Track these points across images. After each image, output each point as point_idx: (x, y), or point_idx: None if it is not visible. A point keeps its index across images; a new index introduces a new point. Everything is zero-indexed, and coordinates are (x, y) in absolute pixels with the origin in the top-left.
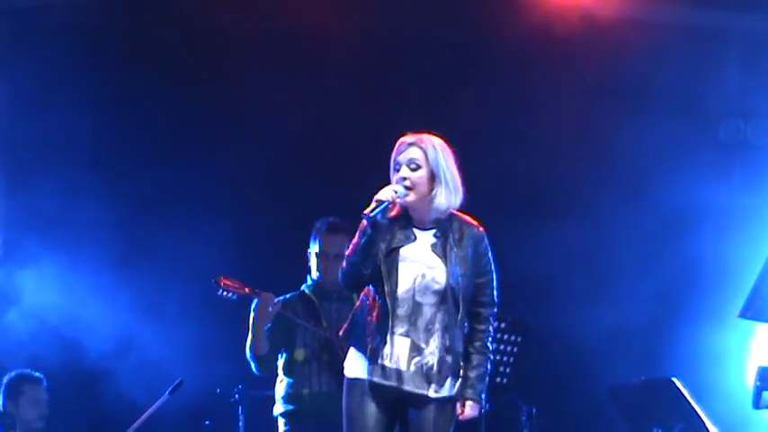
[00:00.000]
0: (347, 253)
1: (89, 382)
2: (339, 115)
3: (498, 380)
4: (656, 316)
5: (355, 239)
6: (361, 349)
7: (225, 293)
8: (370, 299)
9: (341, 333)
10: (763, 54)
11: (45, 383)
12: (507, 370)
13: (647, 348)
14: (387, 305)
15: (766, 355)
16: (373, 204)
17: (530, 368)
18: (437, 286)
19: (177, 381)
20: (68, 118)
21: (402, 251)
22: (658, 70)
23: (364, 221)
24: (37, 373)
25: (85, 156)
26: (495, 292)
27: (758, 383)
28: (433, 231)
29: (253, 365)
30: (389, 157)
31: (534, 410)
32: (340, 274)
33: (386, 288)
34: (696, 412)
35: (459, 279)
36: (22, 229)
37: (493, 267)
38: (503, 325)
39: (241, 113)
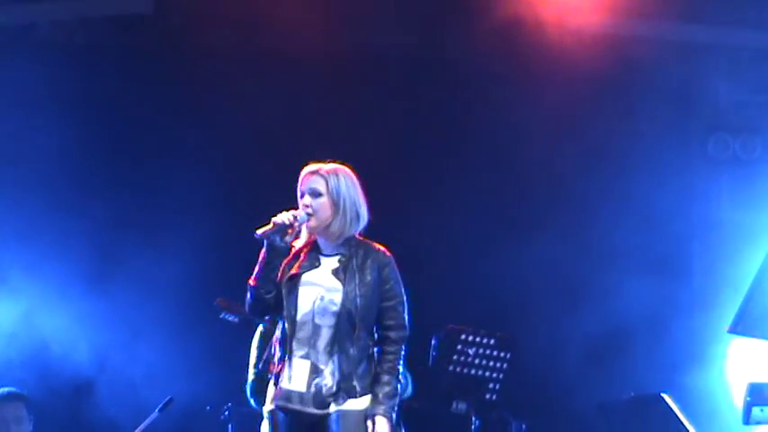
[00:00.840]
0: (249, 282)
1: (67, 402)
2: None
3: (488, 396)
4: (644, 329)
5: (256, 267)
6: (268, 372)
7: (227, 316)
8: (273, 324)
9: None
10: (751, 69)
11: (26, 401)
12: (496, 386)
13: (635, 362)
14: (286, 329)
15: (756, 370)
16: (268, 226)
17: (519, 384)
18: (334, 308)
19: (167, 398)
20: (44, 132)
21: (304, 276)
22: (647, 85)
23: (263, 250)
24: (17, 390)
25: (62, 169)
26: (403, 316)
27: (748, 399)
28: (338, 257)
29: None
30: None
31: (525, 426)
32: (246, 305)
33: (285, 312)
34: (686, 428)
35: (357, 300)
36: None
37: (400, 291)
38: (491, 341)
39: (221, 129)
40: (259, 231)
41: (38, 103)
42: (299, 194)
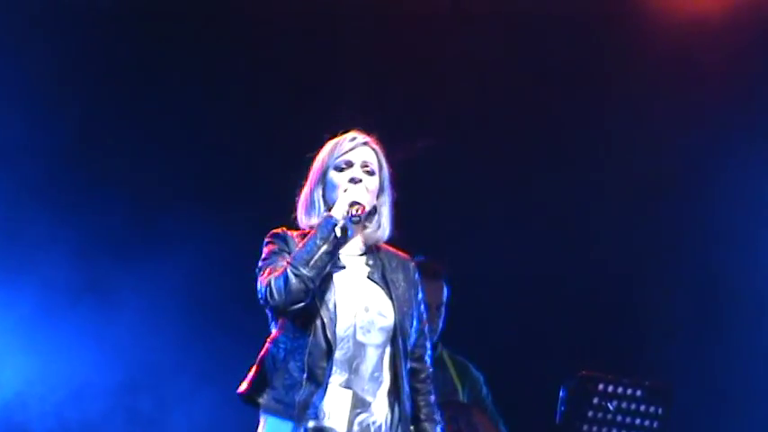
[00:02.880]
0: (287, 261)
1: None
2: None
3: None
4: None
5: (304, 244)
6: (281, 409)
7: None
8: (287, 340)
9: (242, 390)
10: None
11: None
12: None
13: None
14: (322, 346)
15: None
16: (350, 208)
17: None
18: (384, 322)
19: None
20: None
21: (335, 278)
22: None
23: (328, 222)
24: None
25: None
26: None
27: None
28: (364, 259)
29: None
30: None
31: None
32: (276, 287)
33: (321, 322)
34: None
35: (406, 316)
36: None
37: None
38: (637, 393)
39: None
40: (337, 213)
41: None
42: (329, 163)
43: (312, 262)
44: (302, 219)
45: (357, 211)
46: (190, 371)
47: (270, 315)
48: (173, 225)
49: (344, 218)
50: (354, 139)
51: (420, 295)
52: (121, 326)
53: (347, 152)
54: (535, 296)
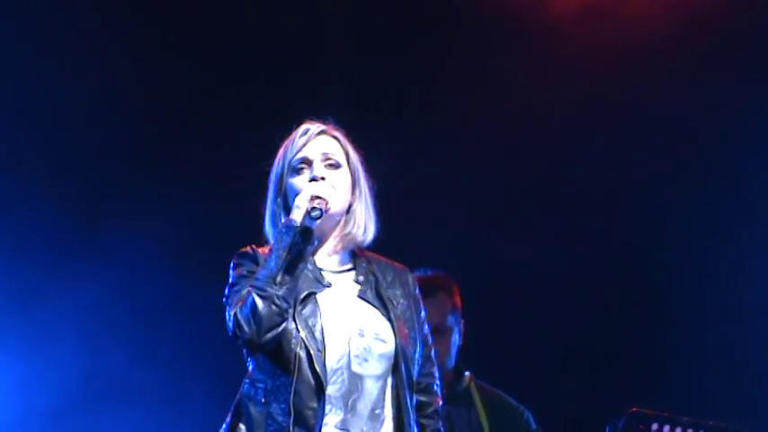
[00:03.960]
0: (263, 287)
1: None
2: None
3: None
4: None
5: (266, 260)
6: None
7: None
8: (266, 378)
9: None
10: None
11: None
12: None
13: None
14: (309, 382)
15: None
16: (306, 205)
17: None
18: (384, 347)
19: None
20: None
21: (320, 299)
22: None
23: (287, 227)
24: None
25: None
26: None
27: None
28: (352, 275)
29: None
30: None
31: None
32: (243, 316)
33: (307, 353)
34: None
35: (408, 339)
36: None
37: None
38: None
39: None
40: (294, 216)
41: None
42: (285, 163)
43: (279, 277)
44: (269, 234)
45: (318, 204)
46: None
47: (245, 352)
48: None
49: (304, 217)
50: (307, 131)
51: (423, 313)
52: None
53: (301, 148)
54: (569, 317)
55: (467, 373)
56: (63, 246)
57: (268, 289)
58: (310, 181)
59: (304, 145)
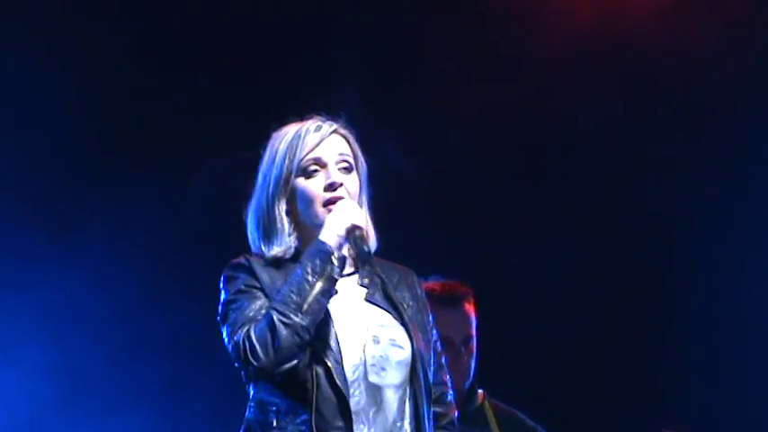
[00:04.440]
0: (271, 306)
1: None
2: None
3: None
4: None
5: (291, 282)
6: None
7: None
8: (278, 400)
9: None
10: None
11: None
12: None
13: None
14: (331, 398)
15: None
16: (341, 232)
17: None
18: (401, 354)
19: None
20: None
21: (330, 308)
22: None
23: (322, 252)
24: None
25: None
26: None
27: None
28: (355, 279)
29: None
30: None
31: None
32: (260, 342)
33: (325, 366)
34: None
35: (424, 343)
36: None
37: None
38: None
39: None
40: (329, 238)
41: None
42: (293, 164)
43: (306, 306)
44: (262, 245)
45: (363, 242)
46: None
47: (245, 375)
48: None
49: (339, 246)
50: (320, 128)
51: (431, 317)
52: None
53: (315, 147)
54: (588, 329)
55: (480, 390)
56: (27, 248)
57: (292, 316)
58: (328, 187)
59: (318, 144)
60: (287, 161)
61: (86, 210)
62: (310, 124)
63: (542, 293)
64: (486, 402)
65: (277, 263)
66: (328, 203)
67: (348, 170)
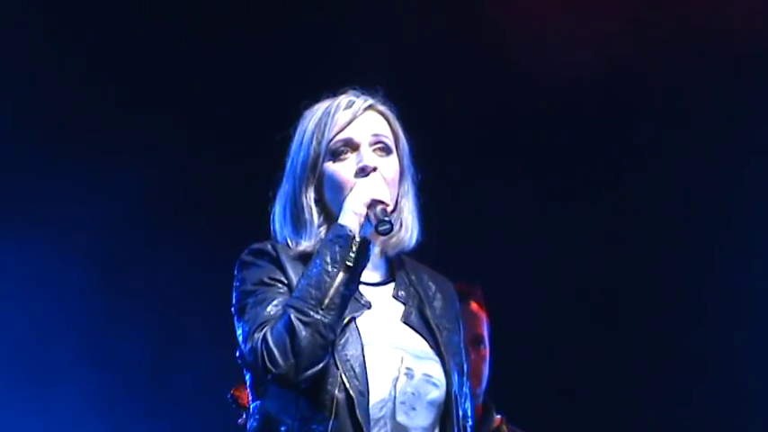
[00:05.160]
0: (289, 304)
1: None
2: None
3: None
4: None
5: (308, 275)
6: None
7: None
8: (291, 420)
9: None
10: None
11: None
12: None
13: None
14: (348, 428)
15: None
16: (363, 211)
17: None
18: (435, 392)
19: None
20: None
21: (360, 325)
22: None
23: (341, 235)
24: None
25: None
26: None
27: None
28: (391, 289)
29: None
30: None
31: None
32: (277, 346)
33: (346, 394)
34: None
35: (461, 378)
36: None
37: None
38: None
39: None
40: (350, 221)
41: None
42: (323, 144)
43: (327, 300)
44: (289, 238)
45: (384, 215)
46: None
47: (251, 381)
48: None
49: (363, 226)
50: (351, 104)
51: (463, 336)
52: None
53: (346, 127)
54: (604, 338)
55: (497, 415)
56: None
57: (312, 314)
58: (360, 171)
59: (349, 122)
60: (314, 143)
61: None
62: (342, 99)
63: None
64: (504, 427)
65: (306, 258)
66: None
67: (386, 152)
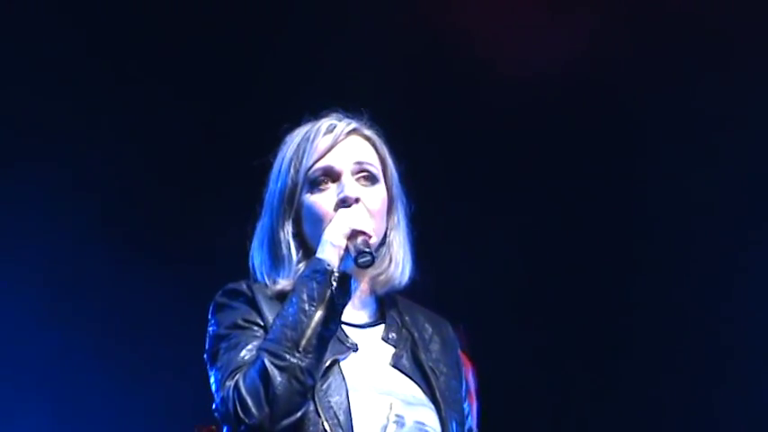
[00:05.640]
0: (263, 347)
1: None
2: None
3: None
4: None
5: (284, 315)
6: None
7: None
8: None
9: None
10: None
11: None
12: None
13: None
14: None
15: None
16: (343, 243)
17: None
18: None
19: None
20: None
21: (345, 368)
22: None
23: (318, 269)
24: None
25: None
26: None
27: None
28: (380, 330)
29: None
30: None
31: None
32: (250, 394)
33: None
34: None
35: (456, 425)
36: None
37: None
38: None
39: None
40: (329, 255)
41: None
42: (300, 172)
43: (304, 341)
44: (266, 275)
45: (364, 245)
46: None
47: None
48: None
49: (343, 260)
50: (332, 128)
51: (464, 384)
52: None
53: (326, 154)
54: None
55: None
56: None
57: (288, 357)
58: (340, 203)
59: (329, 149)
60: (292, 171)
61: None
62: (322, 123)
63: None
64: None
65: (284, 297)
66: None
67: (371, 180)
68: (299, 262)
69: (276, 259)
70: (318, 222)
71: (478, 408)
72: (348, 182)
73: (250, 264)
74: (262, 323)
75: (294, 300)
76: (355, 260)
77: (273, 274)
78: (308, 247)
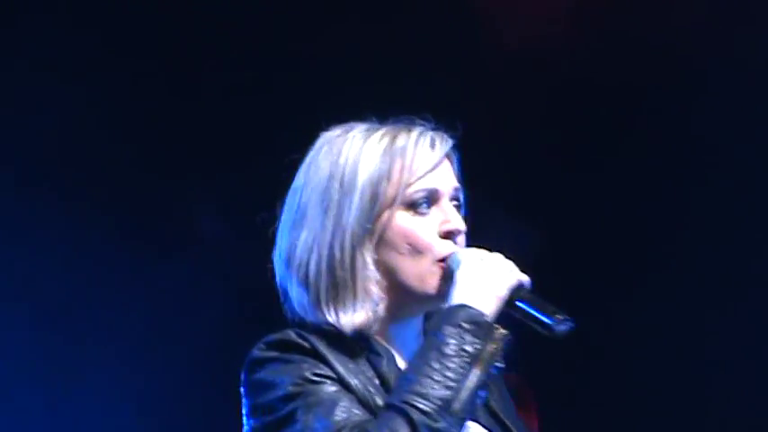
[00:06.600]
0: (417, 408)
1: None
2: None
3: None
4: None
5: (431, 366)
6: None
7: None
8: None
9: None
10: None
11: None
12: None
13: None
14: None
15: None
16: (504, 293)
17: None
18: None
19: None
20: None
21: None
22: None
23: (479, 321)
24: None
25: None
26: None
27: None
28: None
29: None
30: None
31: None
32: None
33: None
34: None
35: None
36: None
37: None
38: None
39: None
40: (486, 305)
41: None
42: (404, 195)
43: (458, 404)
44: (328, 311)
45: (558, 311)
46: None
47: None
48: None
49: (496, 315)
50: (434, 143)
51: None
52: None
53: (429, 173)
54: None
55: None
56: None
57: (438, 419)
58: (447, 235)
59: (434, 168)
60: (384, 183)
61: None
62: (418, 135)
63: None
64: None
65: (347, 344)
66: (443, 260)
67: (459, 210)
68: (381, 297)
69: (346, 292)
70: (416, 254)
71: None
72: (451, 210)
73: (287, 304)
74: (335, 376)
75: (446, 350)
76: (543, 325)
77: (342, 308)
78: (390, 279)
